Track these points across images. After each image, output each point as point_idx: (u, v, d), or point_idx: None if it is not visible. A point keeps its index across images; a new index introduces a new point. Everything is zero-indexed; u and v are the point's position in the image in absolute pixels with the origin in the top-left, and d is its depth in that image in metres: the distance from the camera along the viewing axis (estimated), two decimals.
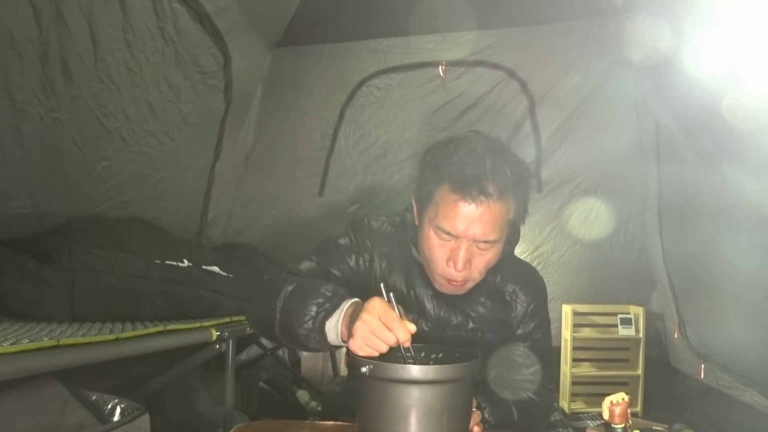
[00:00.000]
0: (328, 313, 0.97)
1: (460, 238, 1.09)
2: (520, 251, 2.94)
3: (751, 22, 1.44)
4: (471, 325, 1.24)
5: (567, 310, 3.03)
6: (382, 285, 0.96)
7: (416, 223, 1.20)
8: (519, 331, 1.28)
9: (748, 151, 1.73)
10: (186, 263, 2.23)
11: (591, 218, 3.12)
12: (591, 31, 2.77)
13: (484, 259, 1.13)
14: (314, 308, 0.98)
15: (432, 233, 1.12)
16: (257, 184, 3.33)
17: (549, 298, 1.38)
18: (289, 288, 1.05)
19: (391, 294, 0.95)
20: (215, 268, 2.38)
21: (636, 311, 3.02)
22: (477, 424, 1.08)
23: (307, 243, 1.30)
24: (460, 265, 1.10)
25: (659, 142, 2.71)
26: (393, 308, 0.93)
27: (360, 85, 3.11)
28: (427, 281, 1.22)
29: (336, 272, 1.23)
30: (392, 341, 0.91)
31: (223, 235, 3.30)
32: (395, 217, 1.30)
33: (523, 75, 2.96)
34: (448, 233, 1.09)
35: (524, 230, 3.28)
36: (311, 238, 1.29)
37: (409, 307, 1.23)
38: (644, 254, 3.11)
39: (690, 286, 2.68)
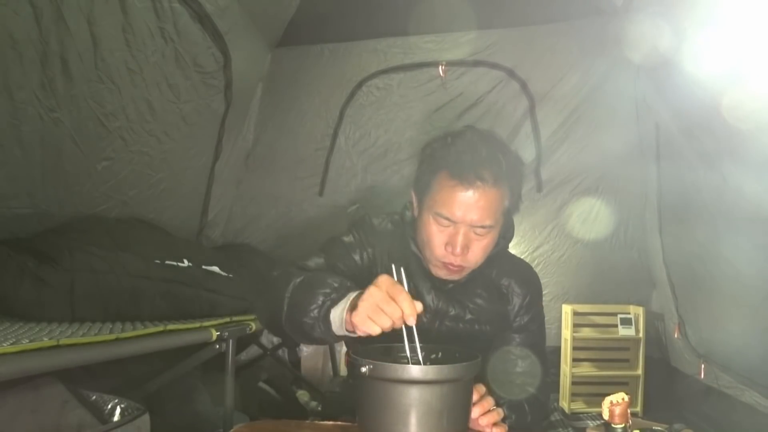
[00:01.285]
0: (334, 302, 0.99)
1: (458, 223, 1.14)
2: (520, 251, 2.97)
3: (751, 22, 1.44)
4: (468, 316, 1.28)
5: (567, 310, 3.03)
6: (393, 265, 0.98)
7: (415, 214, 1.25)
8: (515, 323, 1.32)
9: (748, 151, 1.73)
10: (186, 263, 2.23)
11: (591, 218, 3.12)
12: (591, 31, 2.77)
13: (481, 245, 1.17)
14: (321, 298, 1.00)
15: (431, 220, 1.16)
16: (257, 184, 3.33)
17: (549, 298, 1.40)
18: (298, 280, 1.09)
19: (402, 270, 0.97)
20: (215, 268, 2.38)
21: (636, 311, 3.02)
22: (496, 425, 1.06)
23: (307, 243, 1.31)
24: (458, 249, 1.14)
25: (659, 142, 2.71)
26: (402, 284, 0.94)
27: (360, 85, 3.11)
28: (426, 274, 1.26)
29: (342, 267, 1.27)
30: (397, 315, 0.90)
31: (223, 235, 3.30)
32: (394, 215, 1.35)
33: (523, 75, 2.96)
34: (447, 218, 1.14)
35: (524, 230, 3.31)
36: (311, 238, 1.31)
37: None
38: (644, 254, 3.11)
39: (690, 286, 2.68)
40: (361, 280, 1.09)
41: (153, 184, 2.49)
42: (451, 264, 1.18)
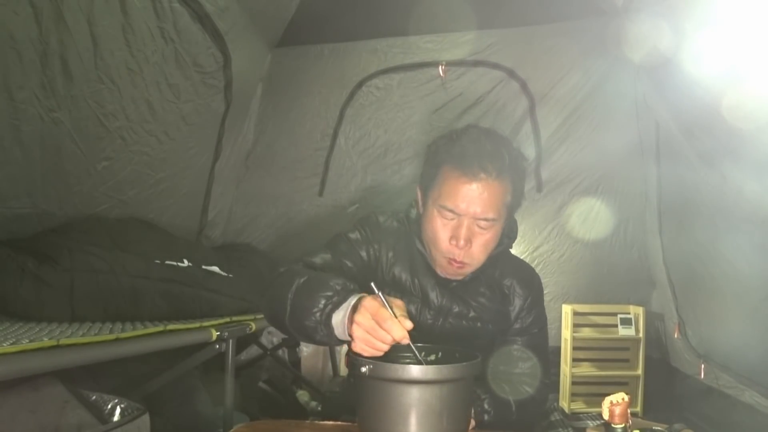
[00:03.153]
0: (335, 306, 0.98)
1: (462, 215, 1.16)
2: (520, 251, 2.97)
3: (751, 22, 1.44)
4: (472, 314, 1.30)
5: (567, 310, 3.03)
6: (372, 284, 0.96)
7: (420, 211, 1.27)
8: (516, 326, 1.32)
9: (748, 151, 1.73)
10: (186, 263, 2.23)
11: (591, 218, 3.12)
12: (591, 31, 2.77)
13: (484, 239, 1.19)
14: (323, 301, 0.99)
15: (436, 213, 1.19)
16: (257, 184, 3.33)
17: (549, 298, 1.41)
18: (301, 280, 1.07)
19: (380, 292, 0.95)
20: (215, 268, 2.38)
21: (636, 311, 3.02)
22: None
23: (307, 243, 1.32)
24: (462, 242, 1.16)
25: (659, 141, 2.71)
26: (385, 306, 0.92)
27: (360, 85, 3.11)
28: (431, 271, 1.28)
29: (349, 264, 1.28)
30: (388, 340, 0.92)
31: (223, 234, 3.30)
32: (399, 213, 1.38)
33: (523, 75, 2.96)
34: (451, 210, 1.17)
35: (524, 230, 3.31)
36: (311, 238, 1.31)
37: (414, 295, 1.29)
38: (644, 254, 3.11)
39: (690, 286, 2.68)
40: (367, 276, 1.11)
41: (153, 184, 2.49)
42: (454, 260, 1.19)
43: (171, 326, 1.83)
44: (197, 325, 1.97)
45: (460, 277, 1.27)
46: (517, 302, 1.33)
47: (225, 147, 2.97)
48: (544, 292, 1.42)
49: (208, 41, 2.43)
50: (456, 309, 1.29)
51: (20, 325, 1.54)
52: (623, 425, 0.94)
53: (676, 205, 2.67)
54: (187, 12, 2.22)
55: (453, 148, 1.19)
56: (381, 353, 0.93)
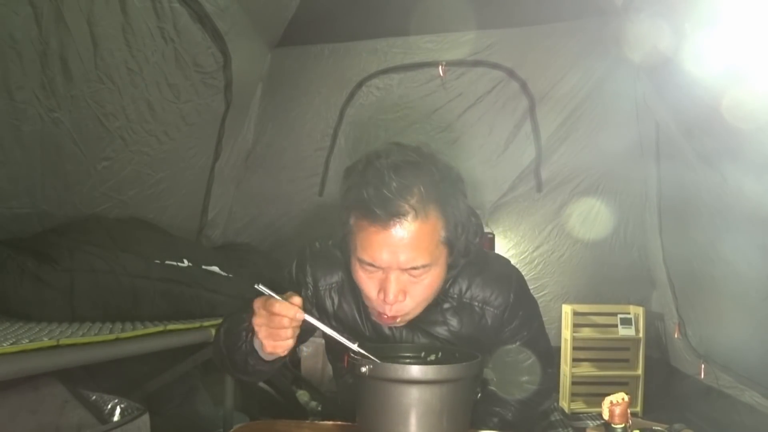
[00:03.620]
0: (253, 332, 0.95)
1: (386, 268, 0.98)
2: (519, 251, 2.97)
3: (751, 22, 1.44)
4: (438, 345, 1.15)
5: (567, 310, 3.03)
6: (257, 285, 0.91)
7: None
8: (505, 335, 1.20)
9: (748, 151, 1.73)
10: (186, 263, 2.23)
11: (591, 218, 3.12)
12: (591, 31, 2.77)
13: (422, 286, 1.01)
14: (243, 333, 0.98)
15: (358, 265, 1.01)
16: (257, 184, 3.33)
17: (549, 298, 1.37)
18: (225, 325, 1.08)
19: (260, 286, 0.91)
20: (215, 268, 2.38)
21: (636, 311, 3.02)
22: None
23: (306, 243, 1.29)
24: (390, 297, 0.98)
25: (659, 141, 2.72)
26: (271, 296, 0.89)
27: (360, 85, 3.11)
28: None
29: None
30: (286, 323, 0.88)
31: (223, 234, 3.30)
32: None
33: (523, 75, 2.96)
34: (371, 264, 0.98)
35: (524, 230, 3.30)
36: (311, 238, 1.28)
37: (366, 338, 1.15)
38: (644, 254, 3.11)
39: (690, 286, 2.68)
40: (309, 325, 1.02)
41: (153, 184, 2.49)
42: (385, 314, 1.02)
43: (171, 326, 1.84)
44: (197, 325, 1.97)
45: (400, 325, 1.08)
46: (493, 317, 1.15)
47: (225, 147, 2.97)
48: (544, 292, 1.38)
49: (208, 41, 2.43)
50: (419, 341, 1.14)
51: (20, 325, 1.54)
52: (623, 425, 0.94)
53: (676, 205, 2.67)
54: (186, 12, 2.22)
55: (357, 188, 0.96)
56: (290, 341, 0.90)
